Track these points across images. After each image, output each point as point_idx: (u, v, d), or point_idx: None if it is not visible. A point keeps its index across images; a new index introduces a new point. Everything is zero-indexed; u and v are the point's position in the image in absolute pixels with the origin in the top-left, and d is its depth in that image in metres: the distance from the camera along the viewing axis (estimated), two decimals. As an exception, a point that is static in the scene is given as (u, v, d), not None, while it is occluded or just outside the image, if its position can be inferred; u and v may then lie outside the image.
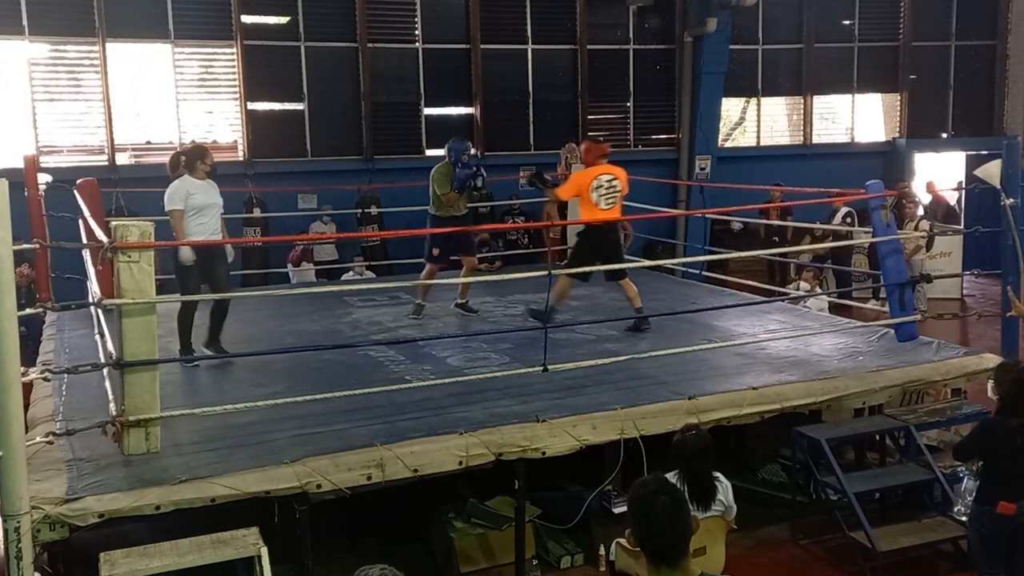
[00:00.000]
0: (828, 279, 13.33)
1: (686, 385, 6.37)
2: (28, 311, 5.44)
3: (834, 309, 10.43)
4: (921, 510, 6.32)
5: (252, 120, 13.25)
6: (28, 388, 5.65)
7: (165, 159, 13.50)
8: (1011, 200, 7.00)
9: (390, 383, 6.29)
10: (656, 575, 2.74)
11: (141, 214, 8.25)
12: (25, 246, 5.25)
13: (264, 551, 4.41)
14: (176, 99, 12.93)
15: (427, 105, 14.15)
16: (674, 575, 2.72)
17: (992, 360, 6.73)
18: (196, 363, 7.25)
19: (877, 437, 6.99)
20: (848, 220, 12.52)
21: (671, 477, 4.78)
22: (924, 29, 16.90)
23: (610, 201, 7.89)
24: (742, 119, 16.54)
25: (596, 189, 7.86)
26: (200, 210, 7.12)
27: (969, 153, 15.81)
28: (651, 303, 9.18)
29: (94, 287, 6.63)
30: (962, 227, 13.90)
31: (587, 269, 7.69)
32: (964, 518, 5.76)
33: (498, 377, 6.38)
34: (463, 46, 14.28)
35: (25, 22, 12.05)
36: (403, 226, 12.60)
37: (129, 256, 4.93)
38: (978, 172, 7.25)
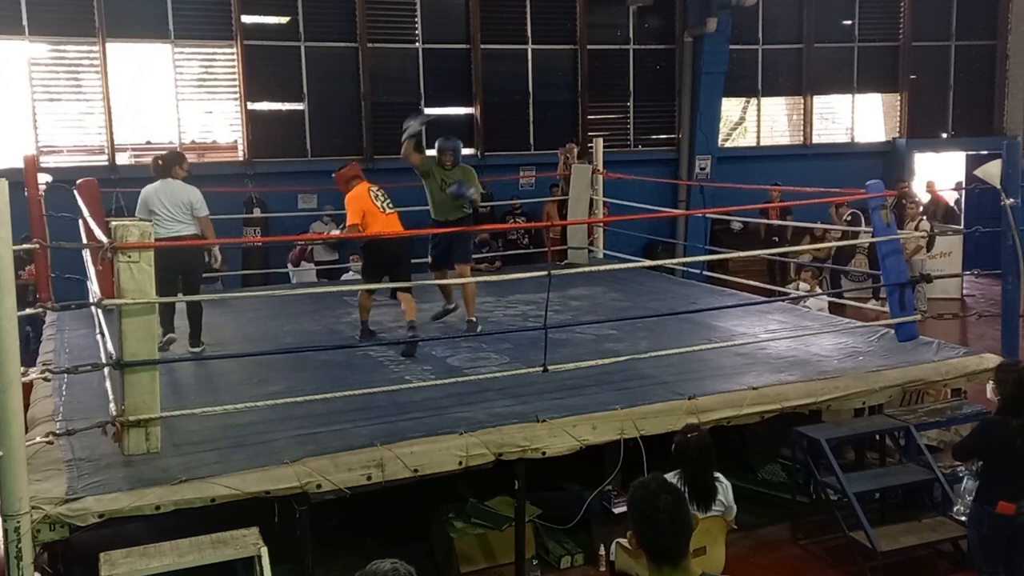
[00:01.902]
0: (828, 279, 13.33)
1: (686, 385, 6.37)
2: (28, 311, 5.44)
3: (834, 309, 10.43)
4: (921, 510, 6.33)
5: (252, 120, 13.24)
6: (28, 388, 5.65)
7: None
8: (1011, 200, 6.99)
9: (390, 383, 6.30)
10: (657, 575, 2.74)
11: (141, 214, 8.25)
12: (26, 246, 5.24)
13: (264, 551, 4.42)
14: (176, 99, 12.93)
15: (427, 105, 14.14)
16: (675, 575, 2.72)
17: (992, 360, 6.73)
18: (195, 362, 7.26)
19: (877, 437, 6.99)
20: (847, 220, 12.53)
21: (671, 477, 4.78)
22: (924, 29, 16.91)
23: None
24: (742, 119, 16.54)
25: (376, 198, 8.01)
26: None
27: (969, 153, 15.82)
28: (651, 303, 9.20)
29: (94, 287, 6.63)
30: (962, 227, 13.91)
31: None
32: (964, 518, 5.76)
33: (498, 377, 6.39)
34: (463, 46, 14.28)
35: (25, 22, 12.05)
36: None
37: (129, 256, 4.94)
38: (978, 172, 7.25)
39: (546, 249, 9.76)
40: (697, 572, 2.75)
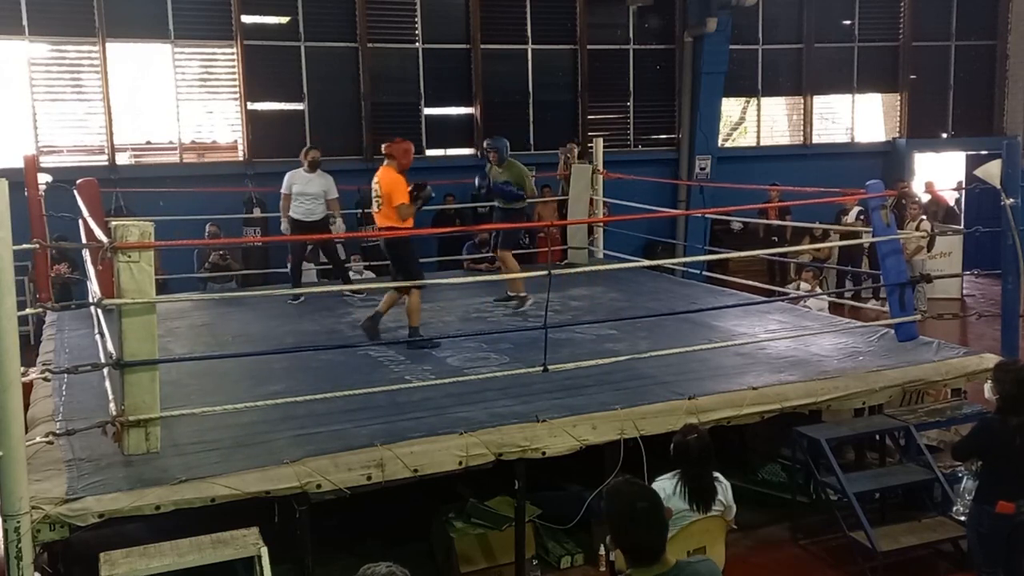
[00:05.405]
0: (828, 279, 13.33)
1: (686, 385, 6.37)
2: (28, 311, 5.44)
3: (836, 309, 10.43)
4: (921, 510, 6.32)
5: (252, 120, 13.25)
6: (28, 388, 5.65)
7: (165, 159, 13.67)
8: (1011, 200, 6.99)
9: (390, 383, 6.29)
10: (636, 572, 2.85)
11: (141, 214, 8.25)
12: (25, 246, 5.24)
13: (264, 551, 4.41)
14: (176, 99, 12.94)
15: (427, 105, 14.17)
16: (653, 569, 2.81)
17: (992, 360, 6.72)
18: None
19: (877, 437, 6.99)
20: (862, 219, 12.47)
21: (670, 477, 4.78)
22: (924, 29, 16.92)
23: (375, 205, 7.96)
24: (742, 119, 16.55)
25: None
26: (297, 196, 9.82)
27: (969, 153, 15.82)
28: (651, 303, 9.20)
29: (94, 287, 6.63)
30: (962, 227, 13.90)
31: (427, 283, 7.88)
32: (963, 518, 5.76)
33: (498, 377, 6.38)
34: (463, 46, 14.29)
35: (25, 22, 12.06)
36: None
37: (129, 256, 4.93)
38: (978, 172, 7.24)
39: (546, 249, 9.75)
40: (672, 562, 2.84)
